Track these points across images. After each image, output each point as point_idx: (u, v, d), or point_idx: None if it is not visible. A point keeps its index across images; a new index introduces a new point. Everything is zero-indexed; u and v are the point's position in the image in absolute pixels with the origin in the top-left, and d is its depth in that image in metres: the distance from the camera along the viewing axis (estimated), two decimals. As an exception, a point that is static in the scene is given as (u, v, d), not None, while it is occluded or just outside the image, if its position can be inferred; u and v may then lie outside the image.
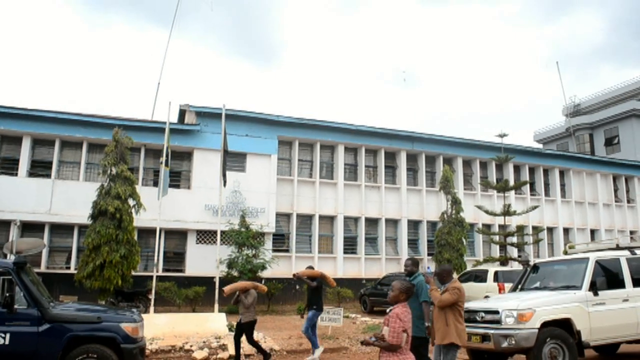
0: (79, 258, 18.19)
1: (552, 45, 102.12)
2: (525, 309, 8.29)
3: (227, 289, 10.67)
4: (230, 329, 12.81)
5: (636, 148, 36.51)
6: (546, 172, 29.80)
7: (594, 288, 8.90)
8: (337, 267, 23.42)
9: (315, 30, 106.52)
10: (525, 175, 28.45)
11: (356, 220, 24.71)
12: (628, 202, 31.54)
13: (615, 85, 42.32)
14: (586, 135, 40.59)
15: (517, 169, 28.72)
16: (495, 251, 25.99)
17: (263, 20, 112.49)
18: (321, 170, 24.58)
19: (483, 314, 8.75)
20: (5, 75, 78.95)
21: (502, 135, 24.44)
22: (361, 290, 21.14)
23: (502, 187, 23.98)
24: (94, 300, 16.14)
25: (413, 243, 25.65)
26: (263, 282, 19.64)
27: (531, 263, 10.93)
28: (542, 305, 8.45)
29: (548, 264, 10.90)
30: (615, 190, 31.51)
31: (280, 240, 23.19)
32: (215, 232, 19.75)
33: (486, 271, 19.11)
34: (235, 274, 19.11)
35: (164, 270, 20.73)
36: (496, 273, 18.50)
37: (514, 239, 24.61)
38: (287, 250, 23.00)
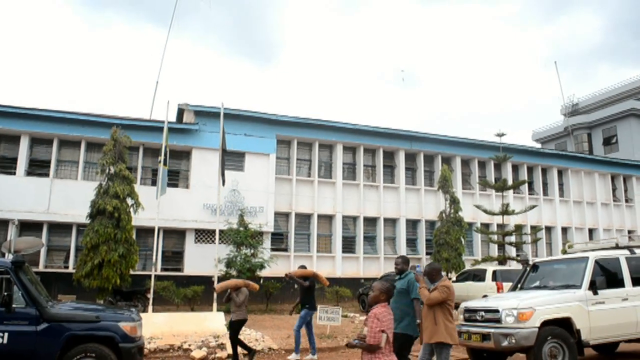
0: (77, 257, 18.16)
1: (552, 45, 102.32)
2: (526, 308, 8.30)
3: (218, 286, 10.63)
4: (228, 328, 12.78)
5: (634, 147, 36.56)
6: (544, 171, 29.82)
7: (593, 287, 8.91)
8: (335, 266, 23.43)
9: (315, 30, 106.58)
10: (524, 175, 28.46)
11: (355, 219, 24.71)
12: (626, 201, 31.59)
13: (613, 85, 42.40)
14: (584, 134, 40.62)
15: (515, 168, 28.73)
16: (494, 250, 26.01)
17: (263, 20, 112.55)
18: (320, 169, 24.56)
19: (483, 313, 8.76)
20: (5, 74, 78.86)
21: (500, 135, 24.47)
22: (359, 289, 21.11)
23: (501, 186, 24.02)
24: (93, 299, 16.09)
25: (412, 242, 25.65)
26: (262, 281, 19.66)
27: (530, 262, 10.92)
28: (542, 304, 8.46)
29: (547, 263, 10.90)
30: (614, 190, 31.55)
31: (278, 240, 23.17)
32: (213, 231, 19.72)
33: (484, 270, 19.13)
34: (234, 273, 19.07)
35: (163, 269, 20.70)
36: (494, 272, 18.52)
37: (513, 239, 24.64)
38: (285, 250, 22.98)
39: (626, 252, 9.86)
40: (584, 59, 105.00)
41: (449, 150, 26.77)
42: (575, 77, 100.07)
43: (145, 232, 20.23)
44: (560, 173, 30.17)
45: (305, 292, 11.08)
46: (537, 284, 10.08)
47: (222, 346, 11.47)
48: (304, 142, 24.35)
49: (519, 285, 10.48)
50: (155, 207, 16.07)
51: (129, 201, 17.27)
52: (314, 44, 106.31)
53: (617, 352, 11.04)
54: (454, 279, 21.01)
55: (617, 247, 10.33)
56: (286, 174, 23.82)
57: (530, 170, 29.26)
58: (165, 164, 16.08)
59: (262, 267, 19.48)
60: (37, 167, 20.42)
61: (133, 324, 7.83)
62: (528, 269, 10.68)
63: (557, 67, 73.32)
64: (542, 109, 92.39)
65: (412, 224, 25.80)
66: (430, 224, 25.76)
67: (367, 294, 20.21)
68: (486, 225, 26.47)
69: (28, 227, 19.38)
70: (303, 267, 11.87)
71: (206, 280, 18.26)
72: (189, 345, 11.52)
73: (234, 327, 10.29)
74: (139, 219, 18.01)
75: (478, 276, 19.25)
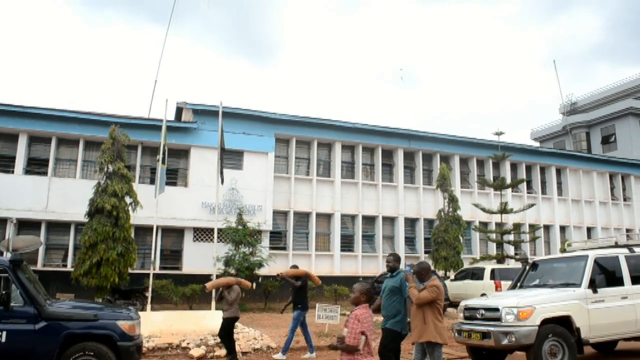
0: (76, 256, 18.15)
1: (552, 44, 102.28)
2: (525, 307, 8.30)
3: (209, 285, 10.57)
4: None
5: (633, 146, 36.61)
6: (543, 170, 29.83)
7: (593, 285, 8.92)
8: (334, 264, 23.43)
9: (314, 30, 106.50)
10: (522, 173, 28.47)
11: (353, 218, 24.69)
12: (624, 200, 31.62)
13: (612, 84, 42.45)
14: (583, 133, 40.65)
15: (513, 167, 28.73)
16: (492, 249, 26.05)
17: (262, 20, 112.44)
18: (318, 168, 24.54)
19: (483, 312, 8.77)
20: (4, 73, 78.69)
21: (498, 134, 24.50)
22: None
23: (499, 185, 24.04)
24: (91, 298, 16.06)
25: (410, 241, 25.65)
26: (260, 279, 19.65)
27: (530, 261, 10.92)
28: (541, 303, 8.47)
29: (547, 262, 10.91)
30: (612, 189, 31.58)
31: (277, 238, 23.16)
32: (212, 229, 19.72)
33: (483, 269, 19.17)
34: (232, 271, 19.06)
35: (161, 268, 20.68)
36: (493, 271, 18.56)
37: (511, 237, 24.66)
38: (284, 248, 22.96)
39: (625, 250, 9.87)
40: (583, 58, 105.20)
41: (447, 148, 26.77)
42: (574, 76, 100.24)
43: (144, 231, 20.21)
44: (558, 172, 30.19)
45: (298, 292, 11.03)
46: (536, 282, 10.08)
47: (220, 345, 11.45)
48: (302, 140, 24.33)
49: (519, 284, 10.48)
50: (153, 205, 16.03)
51: (128, 200, 17.24)
52: (313, 44, 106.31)
53: (615, 350, 11.05)
54: (453, 277, 21.05)
55: (616, 245, 10.34)
56: (285, 172, 23.80)
57: (528, 169, 29.28)
58: (163, 162, 16.05)
59: (260, 265, 19.46)
60: (36, 166, 20.37)
61: (131, 323, 7.81)
62: (527, 267, 10.68)
63: (556, 66, 73.58)
64: (541, 109, 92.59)
65: (411, 223, 25.80)
66: (429, 222, 25.76)
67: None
68: (484, 224, 26.49)
69: (26, 226, 19.35)
70: (295, 266, 11.86)
71: (205, 279, 18.11)
72: (188, 344, 11.50)
73: (226, 325, 10.26)
74: (137, 217, 18.00)
75: (476, 275, 19.28)
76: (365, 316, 4.93)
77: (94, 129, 20.35)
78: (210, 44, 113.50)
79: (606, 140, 39.14)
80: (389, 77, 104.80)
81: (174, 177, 21.89)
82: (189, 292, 18.34)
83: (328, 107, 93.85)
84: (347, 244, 24.27)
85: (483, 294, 14.66)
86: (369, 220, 24.98)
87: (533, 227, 26.52)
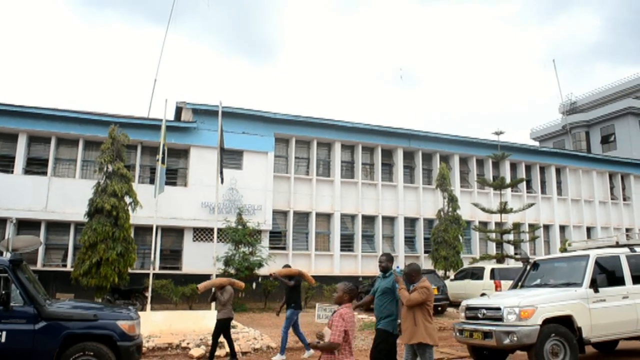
0: (76, 256, 18.12)
1: (551, 44, 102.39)
2: (527, 306, 8.30)
3: (201, 286, 10.50)
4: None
5: (632, 146, 36.64)
6: (542, 169, 29.83)
7: (594, 285, 8.92)
8: (333, 264, 23.41)
9: (314, 30, 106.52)
10: (522, 173, 28.45)
11: (353, 217, 24.67)
12: (624, 199, 31.61)
13: (611, 83, 42.49)
14: (582, 133, 40.67)
15: (513, 166, 28.71)
16: (492, 249, 26.04)
17: (262, 20, 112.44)
18: (318, 167, 24.52)
19: (485, 311, 8.77)
20: (4, 72, 78.63)
21: (498, 133, 24.48)
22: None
23: (499, 184, 24.02)
24: (91, 297, 16.05)
25: (410, 240, 25.63)
26: (260, 279, 19.62)
27: (531, 260, 10.91)
28: (543, 302, 8.47)
29: (548, 261, 10.90)
30: (612, 188, 31.58)
31: (277, 238, 23.13)
32: (212, 229, 19.69)
33: (483, 269, 19.16)
34: (232, 271, 19.04)
35: (161, 267, 20.64)
36: (493, 270, 18.55)
37: (511, 237, 24.64)
38: (284, 248, 22.93)
39: (626, 250, 9.87)
40: (583, 58, 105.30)
41: (447, 148, 26.75)
42: (573, 76, 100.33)
43: (144, 231, 20.19)
44: (558, 171, 30.19)
45: (291, 292, 10.99)
46: (537, 282, 10.08)
47: (220, 344, 11.43)
48: (302, 140, 24.30)
49: (520, 283, 10.47)
50: (153, 205, 16.02)
51: (127, 199, 17.22)
52: (313, 44, 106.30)
53: (616, 349, 11.05)
54: (452, 277, 21.04)
55: (617, 245, 10.34)
56: (284, 172, 23.77)
57: (528, 168, 29.27)
58: (163, 162, 16.03)
59: (260, 265, 19.44)
60: (35, 166, 20.33)
61: (131, 323, 7.80)
62: (528, 267, 10.66)
63: (556, 66, 73.48)
64: (541, 109, 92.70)
65: (411, 222, 25.77)
66: (429, 222, 25.74)
67: (367, 291, 20.23)
68: (484, 224, 26.48)
69: (26, 226, 19.31)
70: (287, 266, 11.83)
71: (204, 279, 18.03)
72: (188, 344, 11.50)
73: (220, 326, 10.23)
74: (137, 217, 17.97)
75: (476, 274, 19.27)
76: (350, 315, 5.00)
77: (94, 129, 20.32)
78: (210, 44, 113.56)
79: (606, 140, 39.15)
80: (389, 77, 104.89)
81: (174, 177, 21.87)
82: (188, 292, 18.30)
83: (328, 107, 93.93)
84: (346, 243, 24.24)
85: (483, 294, 14.69)
86: (369, 220, 24.96)
87: (533, 227, 26.51)
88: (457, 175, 26.67)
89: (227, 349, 10.63)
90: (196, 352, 10.81)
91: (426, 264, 24.02)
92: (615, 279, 9.31)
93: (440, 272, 21.91)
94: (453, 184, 25.38)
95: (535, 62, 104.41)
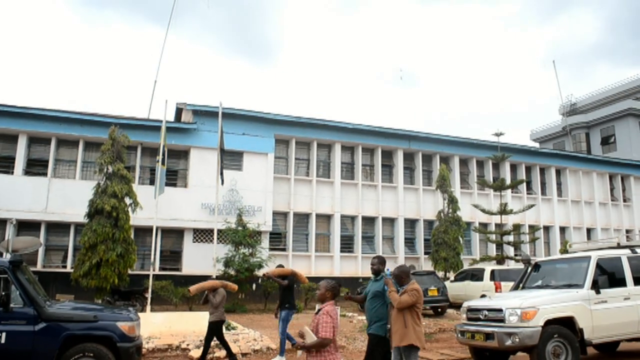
0: (75, 257, 18.10)
1: (551, 44, 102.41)
2: (529, 307, 8.29)
3: (193, 288, 10.40)
4: (227, 328, 12.72)
5: (632, 147, 36.63)
6: (542, 171, 29.82)
7: (596, 286, 8.91)
8: (334, 265, 23.39)
9: (314, 30, 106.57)
10: (522, 174, 28.45)
11: (353, 218, 24.65)
12: (624, 201, 31.60)
13: (611, 85, 42.46)
14: (582, 134, 40.67)
15: (513, 167, 28.71)
16: (492, 250, 26.03)
17: (262, 20, 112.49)
18: (318, 168, 24.50)
19: (486, 312, 8.75)
20: (4, 73, 78.62)
21: (498, 134, 24.47)
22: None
23: (499, 186, 24.02)
24: (91, 299, 16.03)
25: (410, 242, 25.61)
26: (260, 280, 19.58)
27: (532, 261, 10.90)
28: (545, 304, 8.45)
29: (549, 263, 10.89)
30: (612, 189, 31.57)
31: (277, 239, 23.10)
32: (212, 230, 19.68)
33: (483, 270, 19.15)
34: (232, 272, 19.01)
35: (161, 269, 20.61)
36: (493, 272, 18.54)
37: (511, 238, 24.62)
38: (284, 249, 22.91)
39: (628, 251, 9.86)
40: (583, 58, 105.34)
41: (447, 149, 26.74)
42: (573, 77, 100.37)
43: (144, 232, 20.16)
44: (558, 172, 30.18)
45: (285, 292, 10.93)
46: (539, 283, 10.07)
47: (220, 346, 11.40)
48: (302, 141, 24.29)
49: (521, 285, 10.45)
50: (153, 206, 16.01)
51: (127, 200, 17.21)
52: (313, 44, 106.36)
53: (618, 351, 11.03)
54: (452, 278, 21.02)
55: (618, 246, 10.33)
56: (284, 173, 23.75)
57: (528, 169, 29.26)
58: (163, 163, 16.03)
59: (260, 266, 19.40)
60: (35, 167, 20.30)
61: (131, 324, 7.79)
62: (530, 268, 10.64)
63: (556, 67, 73.50)
64: (541, 109, 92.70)
65: (411, 224, 25.76)
66: (429, 223, 25.73)
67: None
68: (484, 225, 26.47)
69: (26, 227, 19.29)
70: (281, 266, 11.78)
71: (204, 280, 18.09)
72: (187, 345, 11.48)
73: (212, 329, 10.18)
74: (137, 218, 17.96)
75: (476, 276, 19.26)
76: (334, 311, 5.00)
77: (94, 130, 20.30)
78: (209, 44, 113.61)
79: (606, 141, 39.15)
80: (389, 77, 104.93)
81: (174, 178, 21.84)
82: (188, 293, 18.24)
83: (328, 107, 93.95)
84: (347, 244, 24.22)
85: (483, 295, 14.66)
86: (369, 221, 24.94)
87: (533, 228, 26.49)
88: (457, 177, 26.66)
89: (224, 352, 10.59)
90: (196, 353, 10.78)
91: (426, 265, 24.02)
92: (616, 281, 9.31)
93: (440, 274, 21.89)
94: (453, 185, 25.39)
95: (535, 62, 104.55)
